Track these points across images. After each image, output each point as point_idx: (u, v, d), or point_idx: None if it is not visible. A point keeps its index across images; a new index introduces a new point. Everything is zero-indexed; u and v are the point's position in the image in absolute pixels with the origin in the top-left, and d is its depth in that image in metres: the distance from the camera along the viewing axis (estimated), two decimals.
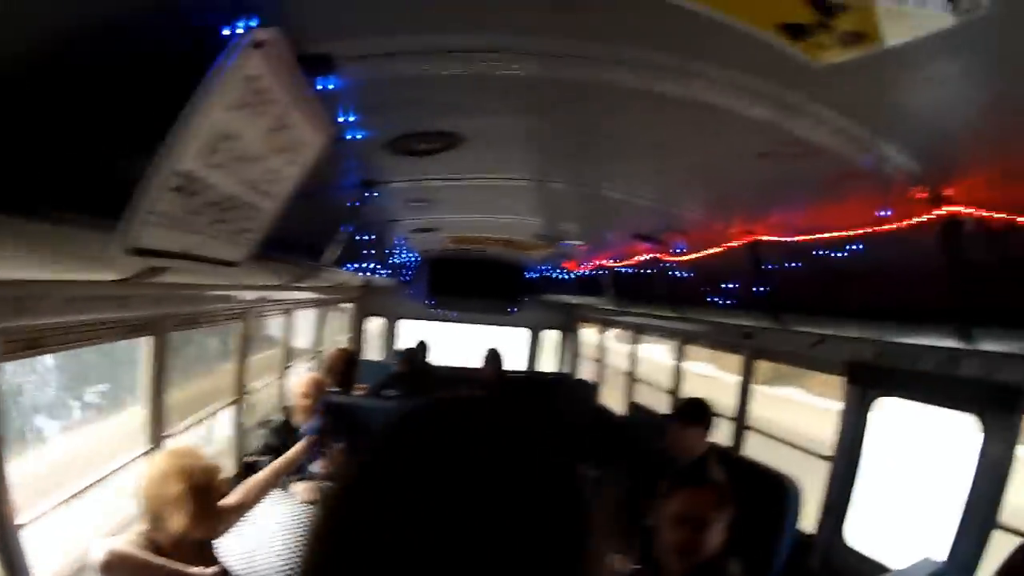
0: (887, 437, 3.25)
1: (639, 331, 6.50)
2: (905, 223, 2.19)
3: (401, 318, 7.92)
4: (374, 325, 8.02)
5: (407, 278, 7.44)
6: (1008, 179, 1.87)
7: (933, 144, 1.92)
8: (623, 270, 5.19)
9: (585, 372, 7.73)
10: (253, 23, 1.34)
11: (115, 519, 2.64)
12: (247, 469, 3.44)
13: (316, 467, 3.26)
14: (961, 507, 2.66)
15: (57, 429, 5.05)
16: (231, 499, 2.37)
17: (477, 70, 1.84)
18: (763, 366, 4.38)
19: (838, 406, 3.42)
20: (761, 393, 4.51)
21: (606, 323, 7.24)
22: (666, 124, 2.26)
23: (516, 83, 1.93)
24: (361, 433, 3.35)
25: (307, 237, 3.52)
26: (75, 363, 5.07)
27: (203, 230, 1.77)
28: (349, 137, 2.34)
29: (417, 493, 0.52)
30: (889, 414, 3.31)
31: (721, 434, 3.98)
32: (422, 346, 6.37)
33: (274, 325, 5.20)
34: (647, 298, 4.98)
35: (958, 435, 2.62)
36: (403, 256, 6.79)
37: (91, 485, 2.49)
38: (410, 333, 7.42)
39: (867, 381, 3.28)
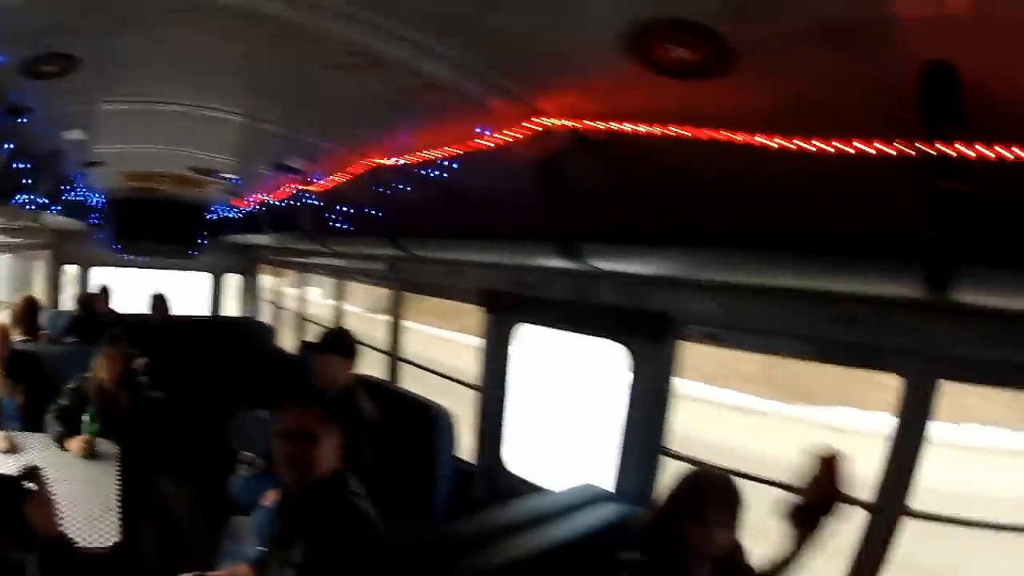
0: (545, 365, 3.30)
1: (303, 270, 6.79)
2: (503, 140, 2.22)
3: (94, 265, 7.56)
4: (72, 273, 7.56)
5: (96, 222, 7.10)
6: (596, 93, 1.94)
7: (523, 59, 1.94)
8: (276, 204, 5.19)
9: (265, 315, 8.01)
10: None
11: None
12: None
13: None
14: (621, 435, 2.68)
15: None
16: None
17: None
18: (433, 308, 4.71)
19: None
20: (429, 335, 4.90)
21: (279, 264, 7.50)
22: (250, 40, 2.25)
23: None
24: (42, 378, 3.63)
25: None
26: None
27: None
28: None
29: None
30: (543, 342, 3.27)
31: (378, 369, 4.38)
32: (104, 291, 6.30)
33: None
34: (299, 233, 5.09)
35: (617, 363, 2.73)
36: (86, 195, 6.31)
37: None
38: (109, 281, 6.90)
39: (502, 309, 3.29)
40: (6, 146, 3.41)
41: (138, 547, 2.92)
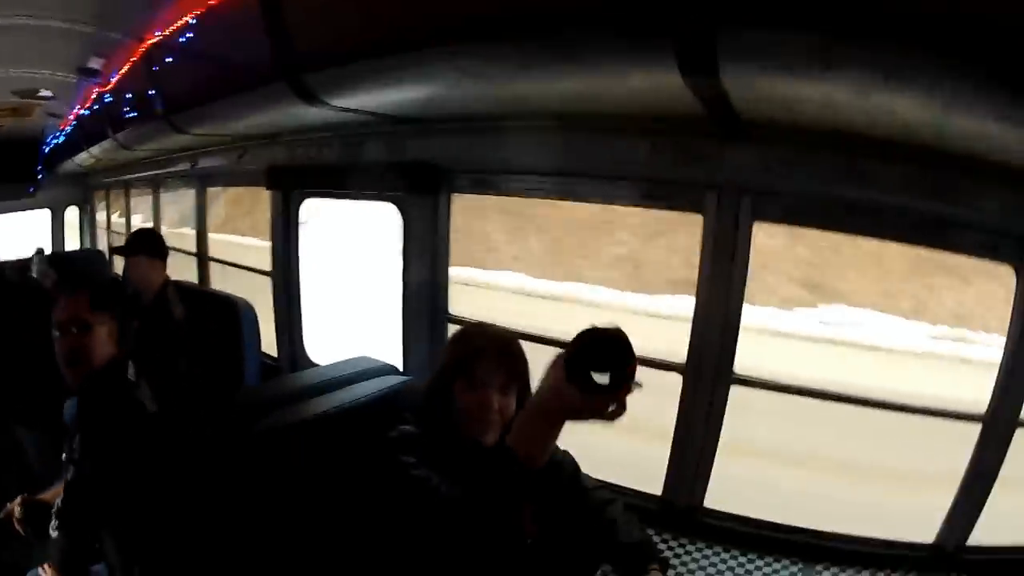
0: (337, 242, 3.16)
1: (125, 190, 6.54)
2: None
3: None
4: None
5: None
6: None
7: None
8: (87, 113, 4.92)
9: (103, 246, 7.67)
10: None
11: None
12: None
13: None
14: (400, 303, 2.54)
15: None
16: None
17: None
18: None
19: None
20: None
21: (109, 188, 7.15)
22: None
23: None
24: None
25: None
26: None
27: None
28: None
29: None
30: (332, 217, 3.14)
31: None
32: None
33: None
34: (110, 143, 4.81)
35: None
36: None
37: None
38: None
39: (283, 184, 3.09)
40: None
41: None
